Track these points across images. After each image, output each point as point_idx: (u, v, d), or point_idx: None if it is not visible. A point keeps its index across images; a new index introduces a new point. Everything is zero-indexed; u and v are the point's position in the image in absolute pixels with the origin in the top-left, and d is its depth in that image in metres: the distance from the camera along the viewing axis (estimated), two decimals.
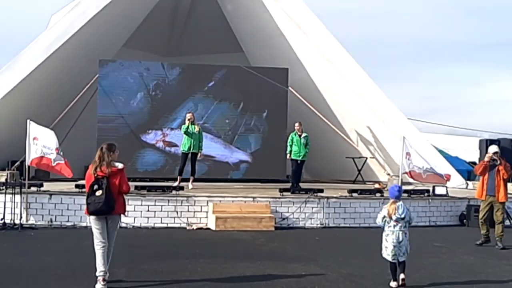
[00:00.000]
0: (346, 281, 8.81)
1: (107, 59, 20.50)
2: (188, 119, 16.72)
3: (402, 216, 8.39)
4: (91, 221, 8.23)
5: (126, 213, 8.27)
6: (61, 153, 14.03)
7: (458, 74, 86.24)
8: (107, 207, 7.97)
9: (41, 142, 14.02)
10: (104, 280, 8.05)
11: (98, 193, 7.97)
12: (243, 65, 21.63)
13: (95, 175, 8.08)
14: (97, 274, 8.07)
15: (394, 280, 8.43)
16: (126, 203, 8.42)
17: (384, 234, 8.54)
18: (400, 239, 8.37)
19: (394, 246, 8.37)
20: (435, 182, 16.41)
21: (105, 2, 19.14)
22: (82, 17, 19.04)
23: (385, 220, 8.49)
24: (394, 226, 8.40)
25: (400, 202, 8.50)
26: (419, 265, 10.03)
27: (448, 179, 16.67)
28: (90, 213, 8.12)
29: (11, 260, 9.79)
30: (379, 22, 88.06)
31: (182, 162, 16.84)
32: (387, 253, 8.46)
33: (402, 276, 8.38)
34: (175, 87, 20.37)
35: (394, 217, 8.38)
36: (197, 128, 16.75)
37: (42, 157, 13.96)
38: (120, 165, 8.22)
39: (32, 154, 13.97)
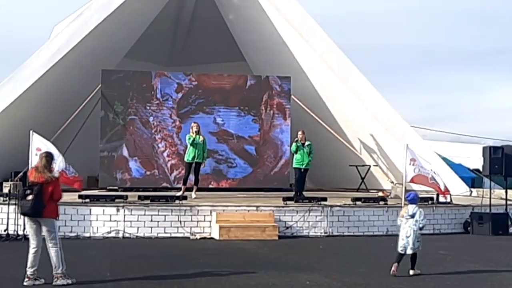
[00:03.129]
0: None
1: (110, 69, 20.52)
2: (195, 131, 16.84)
3: (411, 214, 10.01)
4: (26, 223, 9.21)
5: (57, 218, 9.09)
6: (64, 167, 14.02)
7: (461, 81, 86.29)
8: (33, 211, 8.76)
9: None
10: (28, 278, 8.75)
11: (29, 197, 8.75)
12: (246, 74, 21.72)
13: (32, 180, 8.88)
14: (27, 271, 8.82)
15: (396, 263, 9.88)
16: (59, 209, 9.20)
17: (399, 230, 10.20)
18: (408, 234, 9.93)
19: (402, 239, 9.97)
20: (436, 190, 16.27)
21: (107, 12, 19.18)
22: (84, 27, 19.07)
23: (401, 220, 10.16)
24: (405, 223, 10.02)
25: (412, 205, 10.12)
26: (424, 274, 9.98)
27: (445, 194, 16.42)
28: (21, 214, 9.14)
29: (14, 271, 9.74)
30: (382, 30, 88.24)
31: (187, 172, 16.94)
32: (399, 244, 10.00)
33: (411, 272, 9.85)
34: (178, 96, 20.35)
35: (405, 215, 10.05)
36: (201, 138, 16.84)
37: None
38: (56, 174, 9.17)
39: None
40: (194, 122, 17.57)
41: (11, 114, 18.53)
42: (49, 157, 9.05)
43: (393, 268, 9.77)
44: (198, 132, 16.85)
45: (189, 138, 16.82)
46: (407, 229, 9.94)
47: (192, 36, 25.58)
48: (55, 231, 8.92)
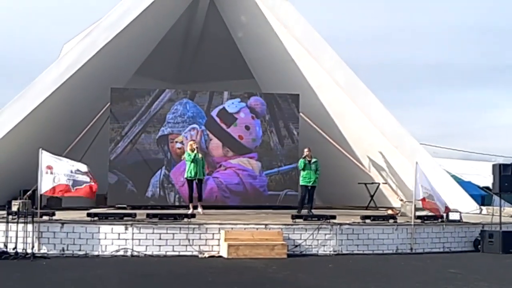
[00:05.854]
0: None
1: (119, 87, 20.60)
2: (196, 147, 17.30)
3: None
4: None
5: None
6: (81, 177, 14.15)
7: (471, 98, 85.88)
8: None
9: (56, 170, 14.21)
10: None
11: None
12: (256, 92, 21.82)
13: None
14: None
15: None
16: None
17: None
18: None
19: None
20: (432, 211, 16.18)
21: (116, 31, 19.26)
22: (93, 46, 19.15)
23: None
24: None
25: None
26: None
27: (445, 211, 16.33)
28: None
29: None
30: (391, 47, 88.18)
31: (191, 189, 17.37)
32: None
33: None
34: (186, 114, 20.40)
35: None
36: (200, 155, 17.38)
37: (59, 185, 14.14)
38: None
39: (48, 183, 14.15)
40: (192, 140, 18.14)
41: (21, 132, 18.58)
42: None
43: None
44: (197, 149, 17.32)
45: (189, 155, 17.23)
46: None
47: (201, 54, 25.66)
48: None
